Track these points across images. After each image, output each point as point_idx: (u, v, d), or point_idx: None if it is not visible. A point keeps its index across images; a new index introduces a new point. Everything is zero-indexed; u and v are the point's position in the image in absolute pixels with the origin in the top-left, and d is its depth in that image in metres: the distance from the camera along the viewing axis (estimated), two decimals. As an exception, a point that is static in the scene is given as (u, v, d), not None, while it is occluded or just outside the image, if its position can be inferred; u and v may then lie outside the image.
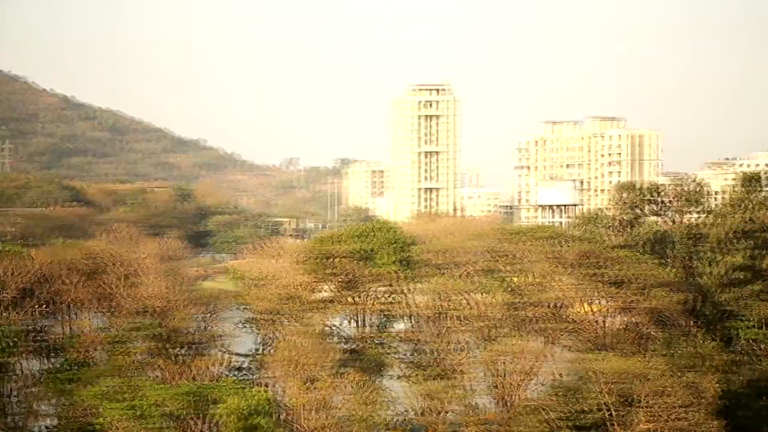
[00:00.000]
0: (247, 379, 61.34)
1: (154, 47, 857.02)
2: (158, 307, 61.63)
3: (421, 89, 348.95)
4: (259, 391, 51.11)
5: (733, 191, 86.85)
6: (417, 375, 62.07)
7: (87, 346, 63.12)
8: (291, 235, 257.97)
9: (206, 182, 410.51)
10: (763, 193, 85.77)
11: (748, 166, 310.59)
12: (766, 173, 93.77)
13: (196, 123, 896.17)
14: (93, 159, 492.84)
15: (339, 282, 68.70)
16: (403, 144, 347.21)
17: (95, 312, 68.04)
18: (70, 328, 66.94)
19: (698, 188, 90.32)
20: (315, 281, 68.25)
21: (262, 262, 73.07)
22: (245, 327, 66.97)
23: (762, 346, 75.93)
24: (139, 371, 57.10)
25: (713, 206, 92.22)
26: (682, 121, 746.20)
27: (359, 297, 68.88)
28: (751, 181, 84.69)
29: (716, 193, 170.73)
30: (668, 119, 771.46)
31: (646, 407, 55.54)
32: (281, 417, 54.49)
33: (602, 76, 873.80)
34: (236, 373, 62.95)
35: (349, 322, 69.67)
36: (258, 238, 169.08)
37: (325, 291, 69.57)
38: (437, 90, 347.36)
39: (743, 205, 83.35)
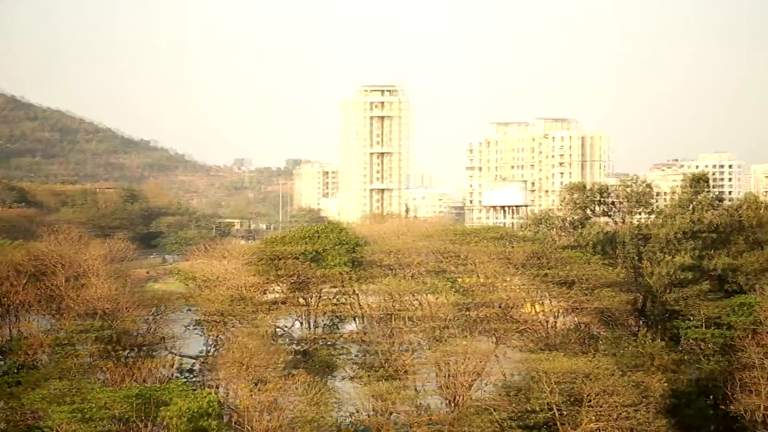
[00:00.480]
0: (196, 381, 61.05)
1: (103, 47, 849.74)
2: (106, 309, 61.18)
3: (371, 90, 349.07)
4: (208, 393, 50.87)
5: (680, 192, 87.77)
6: (367, 376, 62.12)
7: (34, 349, 62.42)
8: (241, 236, 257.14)
9: (154, 183, 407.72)
10: (709, 194, 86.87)
11: (697, 167, 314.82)
12: (713, 174, 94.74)
13: (146, 123, 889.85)
14: (39, 159, 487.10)
15: (289, 283, 68.57)
16: (353, 145, 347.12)
17: (42, 314, 67.37)
18: (18, 330, 66.21)
19: (646, 189, 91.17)
20: (264, 282, 68.08)
21: (211, 263, 72.74)
22: (194, 329, 66.66)
23: (707, 345, 76.92)
24: (86, 374, 56.58)
25: (660, 207, 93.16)
26: (630, 122, 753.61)
27: (309, 298, 68.83)
28: (697, 182, 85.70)
29: (664, 194, 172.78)
30: (617, 121, 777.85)
31: (594, 407, 56.01)
32: (230, 419, 54.29)
33: (552, 77, 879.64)
34: (185, 375, 62.64)
35: (301, 323, 69.58)
36: (207, 239, 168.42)
37: (274, 292, 69.42)
38: (387, 91, 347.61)
39: (690, 205, 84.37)
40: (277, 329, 67.01)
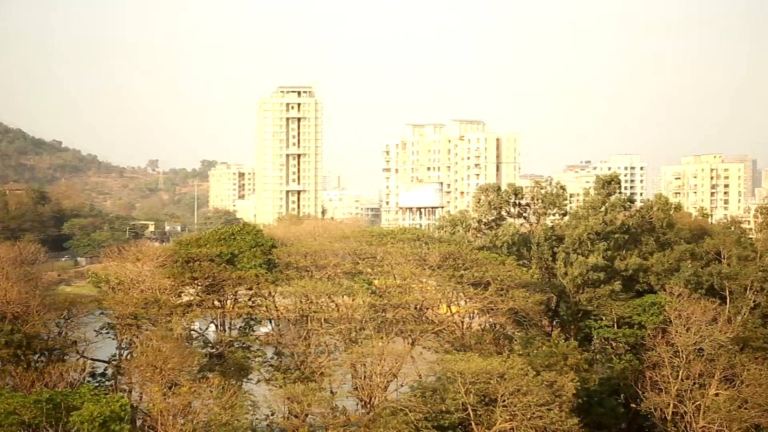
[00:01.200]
0: (108, 386, 60.18)
1: (9, 44, 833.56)
2: (15, 312, 59.96)
3: (287, 91, 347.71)
4: (120, 398, 50.17)
5: (593, 194, 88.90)
6: (282, 378, 61.85)
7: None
8: (154, 238, 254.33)
9: (66, 184, 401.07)
10: (620, 196, 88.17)
11: (609, 168, 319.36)
12: (624, 176, 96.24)
13: (56, 124, 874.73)
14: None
15: (203, 285, 67.95)
16: (269, 146, 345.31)
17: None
18: None
19: (559, 191, 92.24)
20: (179, 285, 67.37)
21: (124, 265, 71.74)
22: (106, 332, 65.67)
23: (618, 345, 78.05)
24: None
25: (573, 208, 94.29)
26: (543, 124, 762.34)
27: (224, 300, 68.28)
28: (609, 183, 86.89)
29: (576, 195, 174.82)
30: (530, 122, 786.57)
31: (507, 406, 56.46)
32: (143, 423, 53.63)
33: (467, 79, 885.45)
34: (97, 379, 61.69)
35: (216, 326, 68.98)
36: (120, 241, 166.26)
37: (189, 295, 68.74)
38: (303, 92, 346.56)
39: (602, 207, 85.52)
40: (192, 332, 66.35)
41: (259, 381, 65.24)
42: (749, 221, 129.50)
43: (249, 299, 68.70)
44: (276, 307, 68.67)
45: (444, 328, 69.02)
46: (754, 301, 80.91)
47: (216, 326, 68.78)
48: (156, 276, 66.72)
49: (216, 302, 68.02)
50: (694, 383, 68.49)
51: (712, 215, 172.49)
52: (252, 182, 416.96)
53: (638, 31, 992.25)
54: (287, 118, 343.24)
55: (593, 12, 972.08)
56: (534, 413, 56.15)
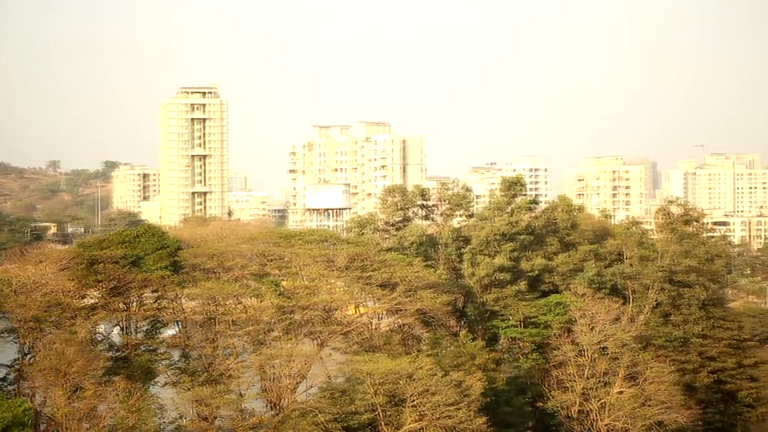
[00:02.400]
0: (10, 390, 58.89)
1: None
2: None
3: (191, 92, 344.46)
4: (23, 402, 49.17)
5: (498, 195, 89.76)
6: (189, 381, 61.20)
7: None
8: (56, 240, 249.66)
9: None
10: (525, 197, 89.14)
11: (514, 170, 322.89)
12: (528, 177, 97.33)
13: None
14: None
15: (106, 288, 66.88)
16: (173, 147, 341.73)
17: None
18: None
19: (465, 192, 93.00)
20: (82, 287, 66.20)
21: (25, 268, 70.23)
22: (7, 336, 64.25)
23: (524, 344, 78.97)
24: None
25: (479, 210, 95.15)
26: (448, 126, 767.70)
27: (129, 303, 67.30)
28: (513, 185, 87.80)
29: (482, 196, 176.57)
30: (434, 124, 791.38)
31: (416, 406, 56.66)
32: (47, 428, 52.62)
33: (373, 81, 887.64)
34: (-2, 384, 60.34)
35: (122, 329, 67.97)
36: (21, 243, 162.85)
37: (93, 297, 67.60)
38: (207, 93, 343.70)
39: (507, 208, 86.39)
40: (96, 335, 65.27)
41: (165, 384, 64.43)
42: (650, 222, 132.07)
43: (155, 301, 67.82)
44: (182, 309, 67.95)
45: (352, 330, 69.02)
46: (655, 300, 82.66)
47: (121, 329, 67.79)
48: (59, 278, 65.47)
49: (121, 305, 67.02)
50: (599, 381, 69.61)
51: (614, 216, 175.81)
52: (157, 183, 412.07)
53: (545, 35, 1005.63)
54: (192, 119, 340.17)
55: (495, 15, 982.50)
56: (442, 413, 56.42)
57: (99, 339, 65.33)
